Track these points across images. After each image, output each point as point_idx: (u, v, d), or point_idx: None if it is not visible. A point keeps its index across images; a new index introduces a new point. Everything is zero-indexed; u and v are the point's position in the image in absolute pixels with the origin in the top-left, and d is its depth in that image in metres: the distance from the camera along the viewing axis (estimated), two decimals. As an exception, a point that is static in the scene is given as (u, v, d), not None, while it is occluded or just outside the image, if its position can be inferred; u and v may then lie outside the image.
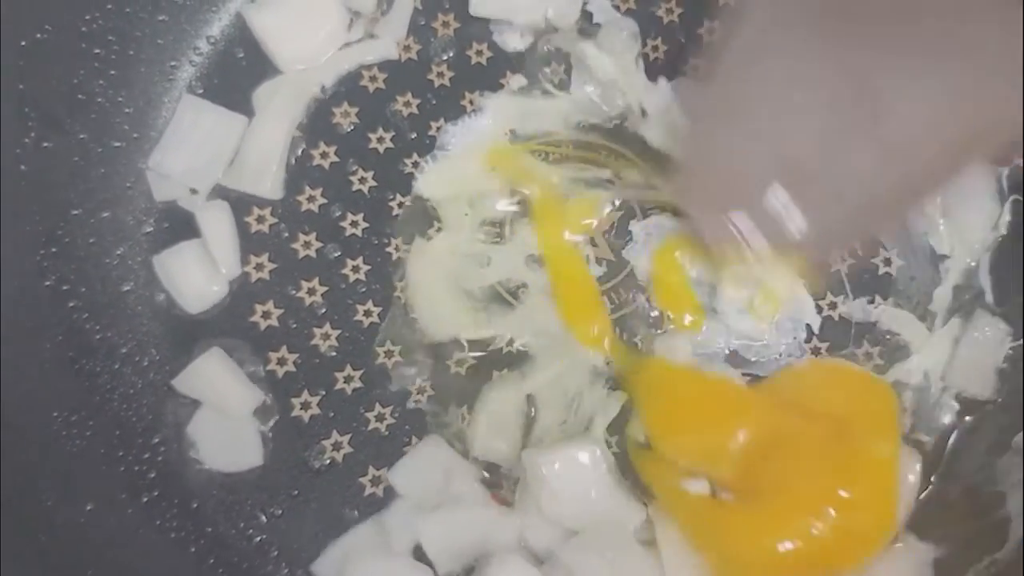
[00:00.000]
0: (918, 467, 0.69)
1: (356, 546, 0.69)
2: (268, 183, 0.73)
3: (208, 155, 0.73)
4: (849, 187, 0.63)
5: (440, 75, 0.76)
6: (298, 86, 0.75)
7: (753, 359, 0.72)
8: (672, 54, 0.77)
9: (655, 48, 0.76)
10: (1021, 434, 0.68)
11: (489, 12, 0.76)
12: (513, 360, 0.72)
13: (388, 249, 0.73)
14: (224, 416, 0.70)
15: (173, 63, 0.75)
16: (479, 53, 0.76)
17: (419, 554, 0.68)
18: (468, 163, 0.74)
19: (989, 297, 0.72)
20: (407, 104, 0.75)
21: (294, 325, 0.72)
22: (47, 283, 0.68)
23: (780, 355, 0.72)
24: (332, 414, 0.71)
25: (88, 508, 0.66)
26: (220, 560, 0.69)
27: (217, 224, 0.72)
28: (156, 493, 0.69)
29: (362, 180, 0.74)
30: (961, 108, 0.59)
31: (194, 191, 0.73)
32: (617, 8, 0.77)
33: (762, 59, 0.63)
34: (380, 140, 0.75)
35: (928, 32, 0.59)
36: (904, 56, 0.59)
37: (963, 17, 0.57)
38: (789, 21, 0.62)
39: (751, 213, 0.65)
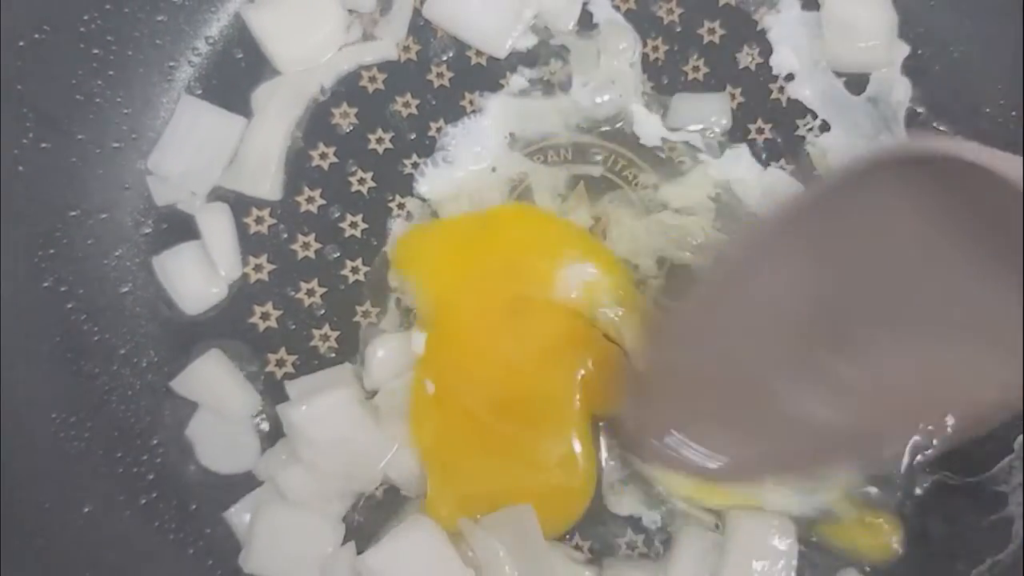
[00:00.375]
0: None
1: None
2: (267, 184, 0.73)
3: (207, 156, 0.73)
4: (795, 428, 0.59)
5: (440, 76, 0.76)
6: (297, 87, 0.75)
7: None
8: (672, 54, 0.76)
9: (655, 48, 0.76)
10: (1022, 436, 0.67)
11: (437, 21, 0.76)
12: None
13: (387, 250, 0.73)
14: (222, 418, 0.70)
15: (172, 64, 0.75)
16: (479, 54, 0.76)
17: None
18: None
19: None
20: (406, 105, 0.75)
21: (293, 326, 0.72)
22: (45, 284, 0.68)
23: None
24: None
25: (86, 510, 0.65)
26: (218, 562, 0.68)
27: (217, 226, 0.72)
28: (154, 495, 0.68)
29: (361, 181, 0.74)
30: (945, 374, 0.55)
31: (194, 194, 0.73)
32: (617, 8, 0.77)
33: (742, 284, 0.58)
34: (379, 141, 0.75)
35: (926, 292, 0.54)
36: (895, 311, 0.55)
37: (964, 287, 0.52)
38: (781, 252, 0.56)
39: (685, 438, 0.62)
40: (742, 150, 0.74)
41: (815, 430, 0.59)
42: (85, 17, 0.69)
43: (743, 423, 0.60)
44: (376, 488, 0.69)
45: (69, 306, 0.69)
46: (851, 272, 0.54)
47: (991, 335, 0.52)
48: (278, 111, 0.74)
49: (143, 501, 0.68)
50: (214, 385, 0.70)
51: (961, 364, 0.54)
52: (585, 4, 0.77)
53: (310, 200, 0.73)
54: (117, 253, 0.71)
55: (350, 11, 0.76)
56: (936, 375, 0.55)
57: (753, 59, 0.76)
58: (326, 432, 0.66)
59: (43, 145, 0.68)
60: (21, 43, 0.66)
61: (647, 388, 0.62)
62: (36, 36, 0.67)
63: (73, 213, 0.70)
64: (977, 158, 0.45)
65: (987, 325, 0.52)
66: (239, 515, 0.68)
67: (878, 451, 0.64)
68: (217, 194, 0.73)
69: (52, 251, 0.68)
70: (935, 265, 0.52)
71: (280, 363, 0.71)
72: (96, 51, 0.71)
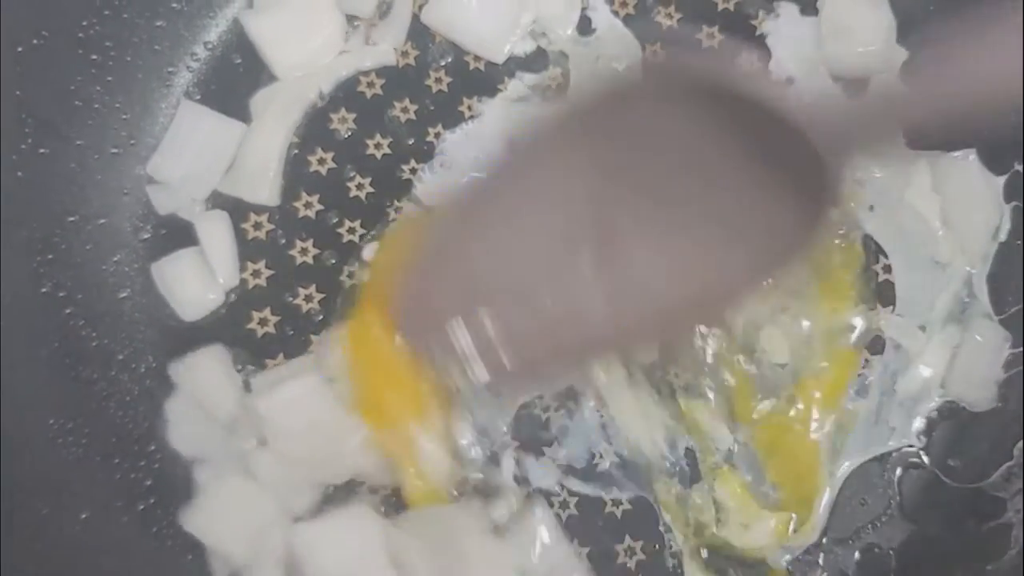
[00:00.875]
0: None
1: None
2: (265, 190, 0.73)
3: (206, 161, 0.73)
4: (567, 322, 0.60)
5: (438, 81, 0.76)
6: (295, 92, 0.75)
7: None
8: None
9: (654, 54, 0.76)
10: (1022, 443, 0.67)
11: (436, 26, 0.76)
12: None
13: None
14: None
15: (170, 69, 0.74)
16: (477, 59, 0.76)
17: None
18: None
19: (988, 305, 0.72)
20: (405, 110, 0.75)
21: (291, 332, 0.72)
22: (43, 290, 0.68)
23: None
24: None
25: (83, 516, 0.65)
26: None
27: (215, 233, 0.71)
28: (152, 501, 0.68)
29: (359, 187, 0.74)
30: (697, 270, 0.57)
31: (194, 200, 0.73)
32: (616, 14, 0.77)
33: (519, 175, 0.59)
34: (378, 146, 0.75)
35: (678, 188, 0.55)
36: (651, 207, 0.56)
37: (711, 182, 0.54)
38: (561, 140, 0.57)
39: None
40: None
41: (586, 325, 0.59)
42: (84, 23, 0.69)
43: (517, 315, 0.60)
44: (342, 481, 0.68)
45: (67, 312, 0.69)
46: (610, 173, 0.56)
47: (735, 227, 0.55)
48: (276, 117, 0.74)
49: (141, 507, 0.68)
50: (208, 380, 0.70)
51: (709, 259, 0.56)
52: (584, 9, 0.76)
53: (308, 206, 0.73)
54: (115, 259, 0.71)
55: (349, 17, 0.76)
56: (688, 271, 0.57)
57: (752, 64, 0.76)
58: (292, 419, 0.66)
59: (41, 151, 0.68)
60: (20, 49, 0.66)
61: (425, 276, 0.62)
62: (35, 42, 0.67)
63: (71, 219, 0.70)
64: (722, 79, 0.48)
65: (732, 217, 0.55)
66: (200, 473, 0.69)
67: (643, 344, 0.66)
68: (215, 200, 0.73)
69: (50, 256, 0.68)
70: (688, 162, 0.54)
71: (278, 369, 0.71)
72: (95, 57, 0.70)
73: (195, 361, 0.70)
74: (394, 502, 0.68)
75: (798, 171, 0.49)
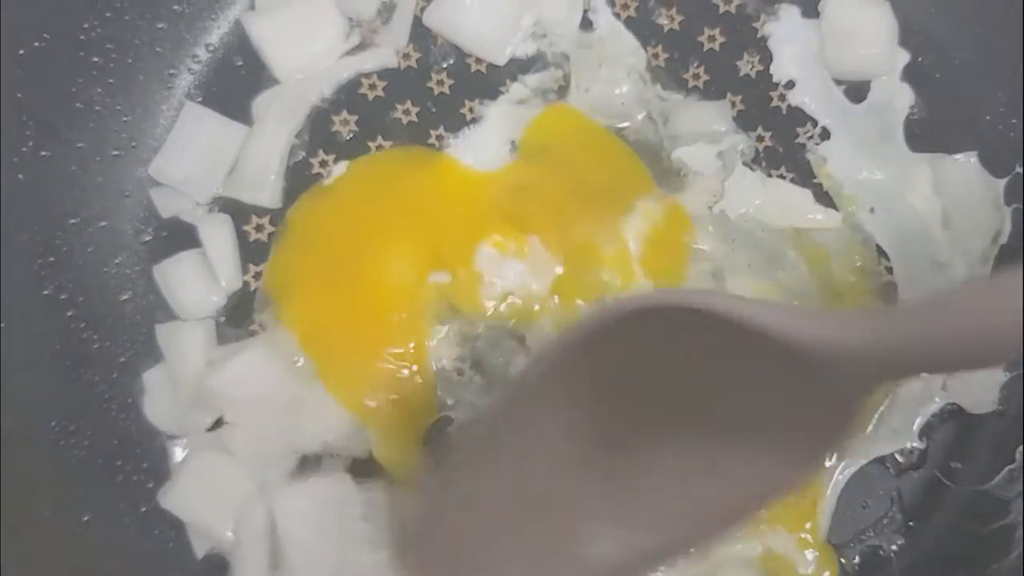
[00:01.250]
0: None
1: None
2: (267, 192, 0.73)
3: (208, 163, 0.73)
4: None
5: (440, 83, 0.76)
6: (297, 95, 0.75)
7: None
8: (673, 62, 0.76)
9: (655, 56, 0.76)
10: (1023, 446, 0.67)
11: (437, 28, 0.76)
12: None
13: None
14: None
15: (172, 71, 0.74)
16: (479, 61, 0.76)
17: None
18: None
19: (990, 307, 0.72)
20: (406, 112, 0.75)
21: (293, 334, 0.71)
22: (45, 292, 0.68)
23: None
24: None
25: (86, 519, 0.65)
26: (219, 571, 0.68)
27: (218, 237, 0.71)
28: (154, 503, 0.68)
29: (361, 188, 0.74)
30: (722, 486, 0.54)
31: (197, 204, 0.73)
32: (618, 16, 0.77)
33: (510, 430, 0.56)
34: (379, 148, 0.74)
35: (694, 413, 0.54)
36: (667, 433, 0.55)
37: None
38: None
39: None
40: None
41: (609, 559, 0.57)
42: (85, 25, 0.69)
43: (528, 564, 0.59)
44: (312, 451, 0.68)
45: (69, 314, 0.68)
46: (618, 405, 0.54)
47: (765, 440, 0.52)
48: (278, 119, 0.74)
49: (143, 509, 0.68)
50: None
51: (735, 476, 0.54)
52: (585, 11, 0.77)
53: (310, 208, 0.73)
54: (117, 261, 0.71)
55: (350, 19, 0.76)
56: (701, 494, 0.55)
57: (753, 67, 0.76)
58: (245, 391, 0.67)
59: (43, 153, 0.68)
60: (21, 51, 0.66)
61: (427, 536, 0.59)
62: (36, 44, 0.66)
63: (73, 221, 0.70)
64: (720, 308, 0.45)
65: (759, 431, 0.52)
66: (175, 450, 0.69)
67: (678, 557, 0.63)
68: (217, 203, 0.73)
69: (52, 259, 0.68)
70: (702, 387, 0.52)
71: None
72: (96, 59, 0.70)
73: (179, 330, 0.70)
74: (365, 468, 0.68)
75: (809, 395, 0.47)
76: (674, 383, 0.52)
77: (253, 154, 0.73)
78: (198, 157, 0.73)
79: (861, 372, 0.44)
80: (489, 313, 0.70)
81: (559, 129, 0.74)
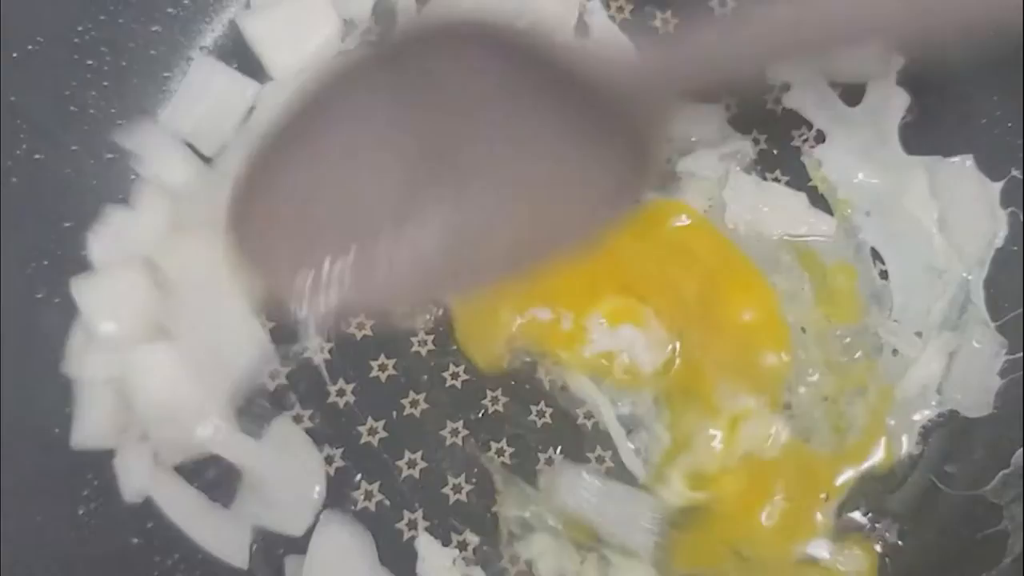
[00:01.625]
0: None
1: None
2: None
3: (218, 116, 0.73)
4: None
5: (436, 86, 0.76)
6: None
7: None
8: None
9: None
10: (1020, 451, 0.67)
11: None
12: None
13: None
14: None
15: (166, 74, 0.74)
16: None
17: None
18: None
19: (985, 310, 0.72)
20: (403, 115, 0.75)
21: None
22: (38, 296, 0.68)
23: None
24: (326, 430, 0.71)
25: (85, 521, 0.66)
26: (222, 572, 0.68)
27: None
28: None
29: (356, 191, 0.74)
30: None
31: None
32: (612, 18, 0.77)
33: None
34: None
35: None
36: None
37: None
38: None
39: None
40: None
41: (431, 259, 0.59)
42: (79, 28, 0.69)
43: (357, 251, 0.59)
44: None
45: (62, 318, 0.68)
46: (427, 125, 0.56)
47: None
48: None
49: (150, 525, 0.68)
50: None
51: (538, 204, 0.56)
52: (581, 14, 0.76)
53: (304, 211, 0.73)
54: (111, 264, 0.71)
55: (345, 20, 0.76)
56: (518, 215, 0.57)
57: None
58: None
59: (36, 156, 0.68)
60: (14, 54, 0.66)
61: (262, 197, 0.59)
62: (29, 47, 0.66)
63: (67, 224, 0.70)
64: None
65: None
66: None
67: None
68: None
69: (46, 263, 0.68)
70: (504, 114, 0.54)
71: (274, 375, 0.71)
72: (90, 62, 0.70)
73: None
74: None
75: (611, 126, 0.49)
76: (478, 112, 0.54)
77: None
78: (208, 109, 0.73)
79: (651, 93, 0.47)
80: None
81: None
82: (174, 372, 0.67)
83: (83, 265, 0.70)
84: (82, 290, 0.68)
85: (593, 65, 0.47)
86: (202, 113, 0.73)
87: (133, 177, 0.72)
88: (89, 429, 0.67)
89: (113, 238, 0.70)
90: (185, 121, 0.73)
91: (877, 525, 0.70)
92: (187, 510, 0.68)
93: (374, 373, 0.71)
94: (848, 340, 0.71)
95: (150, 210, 0.71)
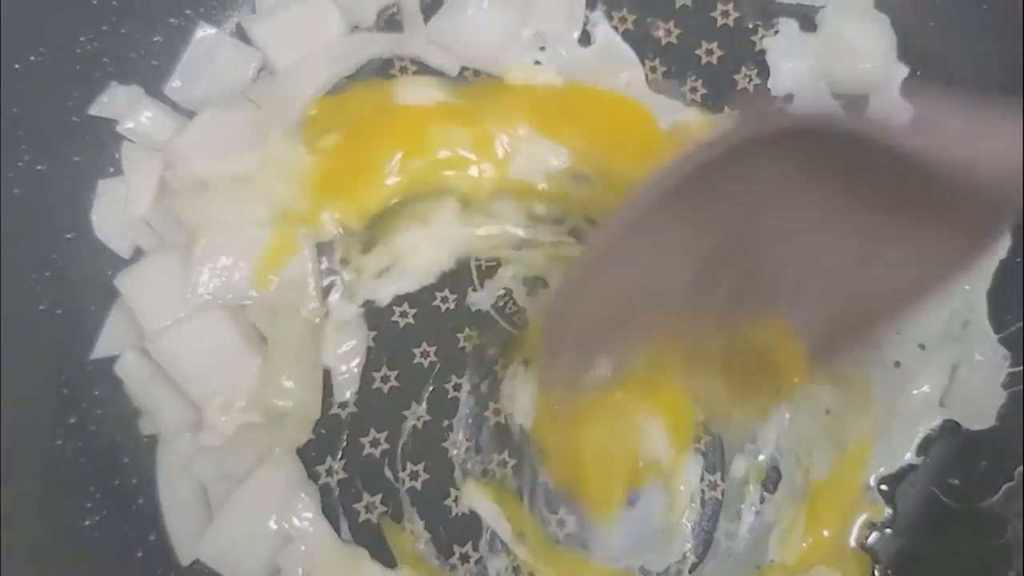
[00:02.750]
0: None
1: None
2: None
3: (222, 86, 0.74)
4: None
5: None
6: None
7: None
8: (670, 75, 0.76)
9: (653, 69, 0.76)
10: (1022, 465, 0.67)
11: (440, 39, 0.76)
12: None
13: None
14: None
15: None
16: (476, 73, 0.76)
17: None
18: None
19: (987, 323, 0.72)
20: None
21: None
22: (41, 307, 0.68)
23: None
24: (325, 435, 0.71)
25: (86, 523, 0.66)
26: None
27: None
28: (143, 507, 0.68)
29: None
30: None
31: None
32: (616, 29, 0.77)
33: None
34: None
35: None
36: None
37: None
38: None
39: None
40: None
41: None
42: (81, 39, 0.69)
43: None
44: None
45: (64, 329, 0.68)
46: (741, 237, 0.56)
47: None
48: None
49: (152, 538, 0.68)
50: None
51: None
52: (584, 25, 0.76)
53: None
54: (111, 275, 0.71)
55: (351, 24, 0.76)
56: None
57: (751, 80, 0.76)
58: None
59: (39, 168, 0.68)
60: (17, 66, 0.66)
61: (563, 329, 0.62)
62: (32, 59, 0.66)
63: (68, 236, 0.70)
64: (847, 126, 0.47)
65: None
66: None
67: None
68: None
69: (47, 274, 0.68)
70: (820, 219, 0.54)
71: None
72: (92, 73, 0.70)
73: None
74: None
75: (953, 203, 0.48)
76: (804, 205, 0.54)
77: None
78: (212, 80, 0.74)
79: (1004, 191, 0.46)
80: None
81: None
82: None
83: (86, 276, 0.70)
84: (126, 284, 0.68)
85: (949, 156, 0.46)
86: (207, 83, 0.74)
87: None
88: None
89: (112, 207, 0.71)
90: (191, 91, 0.74)
91: (879, 536, 0.70)
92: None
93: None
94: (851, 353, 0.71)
95: (140, 170, 0.71)
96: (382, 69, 0.75)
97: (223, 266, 0.68)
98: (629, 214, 0.55)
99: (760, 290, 0.59)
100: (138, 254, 0.71)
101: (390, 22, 0.76)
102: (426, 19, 0.75)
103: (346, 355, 0.71)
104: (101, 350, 0.69)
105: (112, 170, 0.72)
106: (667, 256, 0.58)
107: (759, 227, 0.56)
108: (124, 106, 0.71)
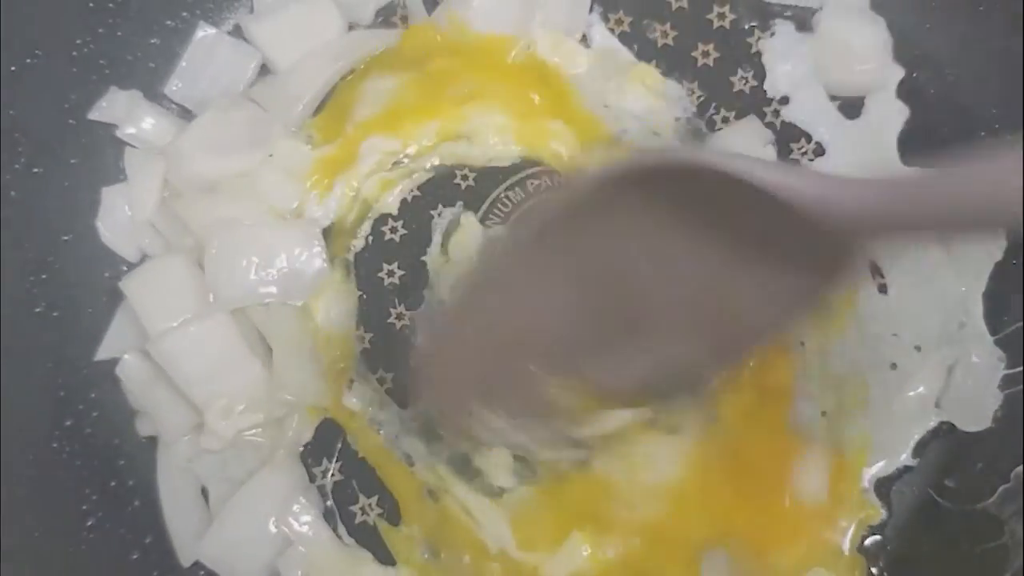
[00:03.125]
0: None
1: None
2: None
3: (223, 85, 0.74)
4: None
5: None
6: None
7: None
8: (667, 76, 0.76)
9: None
10: (1021, 466, 0.67)
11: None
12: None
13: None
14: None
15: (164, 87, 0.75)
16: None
17: None
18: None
19: (984, 324, 0.71)
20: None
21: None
22: (37, 309, 0.68)
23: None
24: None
25: (82, 526, 0.66)
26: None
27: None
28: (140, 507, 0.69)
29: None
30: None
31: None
32: (612, 31, 0.77)
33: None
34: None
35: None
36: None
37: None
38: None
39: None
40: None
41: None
42: (78, 41, 0.70)
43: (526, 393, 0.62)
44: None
45: (61, 332, 0.68)
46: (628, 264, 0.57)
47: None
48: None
49: (148, 540, 0.68)
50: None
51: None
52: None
53: (304, 223, 0.73)
54: (108, 276, 0.71)
55: (349, 23, 0.76)
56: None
57: (747, 82, 0.76)
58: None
59: (35, 170, 0.68)
60: (13, 68, 0.66)
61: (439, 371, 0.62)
62: (28, 61, 0.67)
63: (65, 238, 0.70)
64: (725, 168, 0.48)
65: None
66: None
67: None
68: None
69: (44, 276, 0.69)
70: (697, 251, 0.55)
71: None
72: (89, 75, 0.71)
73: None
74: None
75: (809, 243, 0.49)
76: (681, 227, 0.54)
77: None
78: (212, 80, 0.74)
79: (859, 227, 0.47)
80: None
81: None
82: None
83: (83, 279, 0.69)
84: (131, 287, 0.68)
85: (802, 194, 0.47)
86: (207, 84, 0.74)
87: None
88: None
89: (116, 212, 0.71)
90: (192, 91, 0.74)
91: (874, 538, 0.70)
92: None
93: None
94: (847, 355, 0.71)
95: (143, 174, 0.71)
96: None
97: (242, 266, 0.68)
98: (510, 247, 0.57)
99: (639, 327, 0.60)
100: (143, 258, 0.72)
101: (387, 22, 0.77)
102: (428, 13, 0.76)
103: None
104: (105, 352, 0.69)
105: (115, 175, 0.72)
106: (545, 287, 0.58)
107: (631, 259, 0.57)
108: (123, 111, 0.71)
